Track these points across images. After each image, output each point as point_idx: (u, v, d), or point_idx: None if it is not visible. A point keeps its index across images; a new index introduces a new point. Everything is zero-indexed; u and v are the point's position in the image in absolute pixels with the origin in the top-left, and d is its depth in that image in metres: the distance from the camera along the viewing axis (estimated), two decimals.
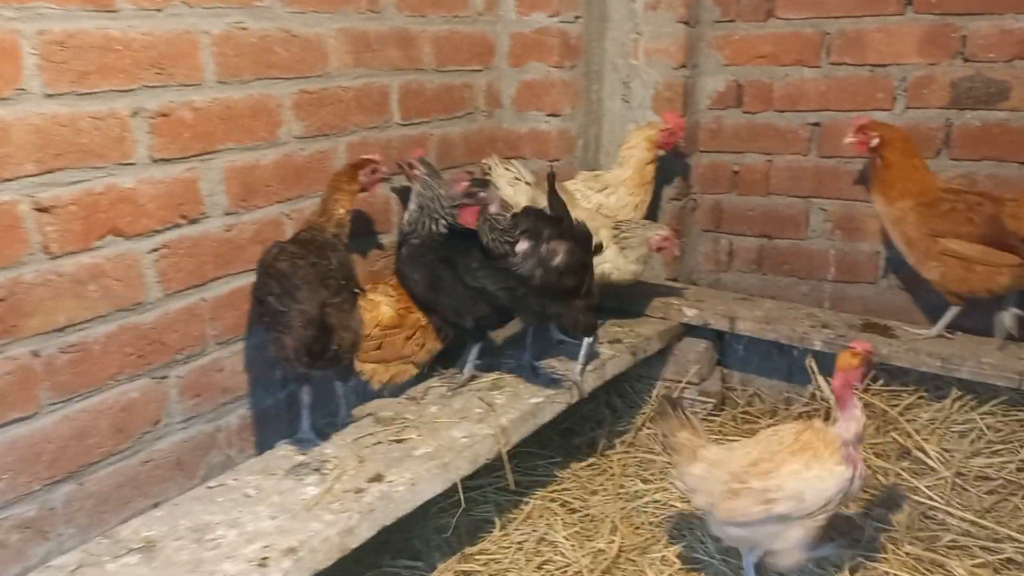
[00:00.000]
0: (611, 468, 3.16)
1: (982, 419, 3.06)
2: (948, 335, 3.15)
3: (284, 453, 2.44)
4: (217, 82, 2.40)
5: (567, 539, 2.74)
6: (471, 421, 2.62)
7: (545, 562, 2.65)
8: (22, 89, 1.96)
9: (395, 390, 2.88)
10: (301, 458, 2.40)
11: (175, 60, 2.28)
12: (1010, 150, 3.19)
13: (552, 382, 2.86)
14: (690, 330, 3.54)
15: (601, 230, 3.09)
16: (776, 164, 3.65)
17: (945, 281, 3.04)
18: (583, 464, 3.21)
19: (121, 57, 2.15)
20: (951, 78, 3.24)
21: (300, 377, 2.53)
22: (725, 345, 3.63)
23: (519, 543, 2.73)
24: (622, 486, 3.05)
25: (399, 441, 2.50)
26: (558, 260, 2.52)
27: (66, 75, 2.04)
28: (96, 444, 2.22)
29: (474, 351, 2.93)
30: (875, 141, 3.08)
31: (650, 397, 3.52)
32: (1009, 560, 2.56)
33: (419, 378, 2.95)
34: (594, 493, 3.03)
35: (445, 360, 3.05)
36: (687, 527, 2.78)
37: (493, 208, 2.56)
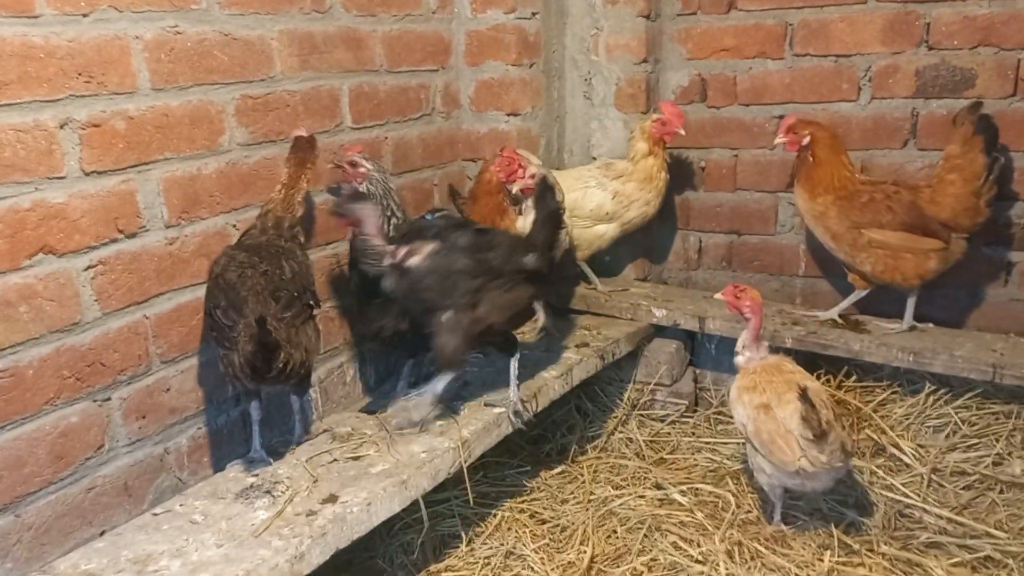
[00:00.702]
0: (582, 475, 3.07)
1: (957, 413, 3.02)
2: (920, 327, 3.11)
3: (234, 475, 2.33)
4: (152, 89, 2.29)
5: (536, 552, 2.64)
6: (432, 435, 2.52)
7: None
8: None
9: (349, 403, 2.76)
10: (252, 480, 2.29)
11: (105, 67, 2.17)
12: None
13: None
14: (660, 331, 3.48)
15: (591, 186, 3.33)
16: (743, 159, 3.58)
17: (876, 272, 3.03)
18: (553, 472, 3.12)
19: (44, 65, 2.04)
20: (916, 67, 3.19)
21: (251, 393, 2.42)
22: (697, 345, 3.56)
23: (486, 558, 2.63)
24: (593, 493, 2.96)
25: (356, 458, 2.40)
26: (413, 261, 2.37)
27: None
28: (33, 473, 2.10)
29: (405, 369, 2.82)
30: (806, 139, 3.06)
31: (621, 400, 3.45)
32: (987, 558, 2.50)
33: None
34: (564, 502, 2.94)
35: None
36: (659, 533, 2.70)
37: (369, 225, 2.43)
